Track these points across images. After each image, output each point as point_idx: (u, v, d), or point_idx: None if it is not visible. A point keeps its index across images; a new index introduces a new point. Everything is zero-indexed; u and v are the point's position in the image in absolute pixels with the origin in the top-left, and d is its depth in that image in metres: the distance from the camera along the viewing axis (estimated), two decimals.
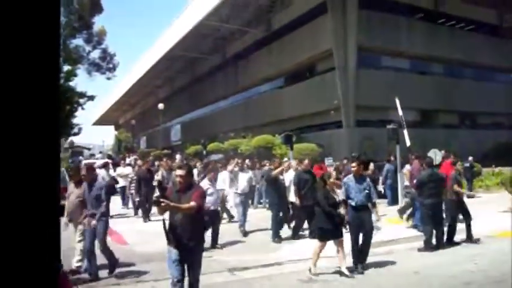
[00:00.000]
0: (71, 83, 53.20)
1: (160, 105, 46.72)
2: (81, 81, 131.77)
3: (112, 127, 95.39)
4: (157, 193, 5.86)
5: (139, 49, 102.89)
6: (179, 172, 6.02)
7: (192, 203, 5.68)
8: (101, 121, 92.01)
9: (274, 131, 31.24)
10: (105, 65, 56.31)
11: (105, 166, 19.04)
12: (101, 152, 62.58)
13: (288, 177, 12.07)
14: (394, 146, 17.64)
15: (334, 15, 29.34)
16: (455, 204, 10.60)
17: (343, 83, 29.17)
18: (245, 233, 12.15)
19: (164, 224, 5.83)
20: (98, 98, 72.08)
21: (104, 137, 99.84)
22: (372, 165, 16.46)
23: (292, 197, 11.62)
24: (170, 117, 55.45)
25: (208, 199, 9.30)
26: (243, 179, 12.87)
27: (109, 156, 44.38)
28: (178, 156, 27.50)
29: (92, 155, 57.85)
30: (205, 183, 10.34)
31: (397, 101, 17.68)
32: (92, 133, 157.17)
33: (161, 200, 5.50)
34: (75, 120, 56.70)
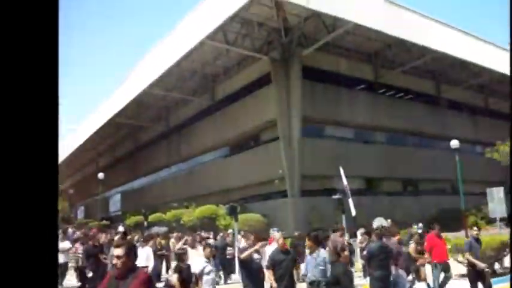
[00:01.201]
0: None
1: (100, 175, 45.22)
2: None
3: None
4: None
5: (82, 115, 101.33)
6: (117, 251, 4.55)
7: None
8: None
9: (219, 201, 30.67)
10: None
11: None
12: None
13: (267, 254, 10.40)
14: (340, 215, 17.41)
15: (277, 86, 29.66)
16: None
17: (287, 153, 29.13)
18: None
19: None
20: None
21: None
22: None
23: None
24: (110, 186, 53.92)
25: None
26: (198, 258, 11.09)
27: None
28: (120, 227, 26.06)
29: None
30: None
31: (341, 170, 17.65)
32: None
33: None
34: None
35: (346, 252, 8.09)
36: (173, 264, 12.54)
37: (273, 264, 8.98)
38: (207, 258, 9.06)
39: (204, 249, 9.35)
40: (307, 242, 8.58)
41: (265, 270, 9.44)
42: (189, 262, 10.08)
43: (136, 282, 4.31)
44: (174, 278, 7.99)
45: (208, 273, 8.69)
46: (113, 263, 5.04)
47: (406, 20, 29.84)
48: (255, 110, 31.64)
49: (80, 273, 15.33)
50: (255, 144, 33.42)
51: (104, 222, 45.33)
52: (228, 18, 25.77)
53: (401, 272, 9.93)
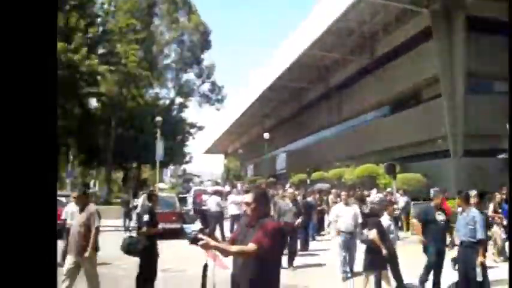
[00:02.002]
0: (183, 115, 56.36)
1: (266, 135, 47.66)
2: (192, 113, 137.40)
3: (221, 156, 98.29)
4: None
5: (246, 80, 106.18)
6: (247, 197, 4.38)
7: (250, 245, 4.07)
8: (211, 150, 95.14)
9: (379, 160, 30.65)
10: (214, 96, 58.93)
11: (217, 193, 19.78)
12: (209, 180, 64.74)
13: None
14: (505, 177, 16.67)
15: (439, 40, 28.41)
16: None
17: (450, 111, 28.02)
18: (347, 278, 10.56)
19: (204, 270, 4.31)
20: (207, 128, 74.67)
21: (214, 166, 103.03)
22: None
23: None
24: (276, 146, 56.21)
25: None
26: (348, 214, 11.08)
27: (217, 183, 45.91)
28: (288, 187, 27.61)
29: (201, 182, 60.11)
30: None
31: (509, 128, 16.78)
32: (202, 161, 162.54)
33: (199, 236, 4.15)
34: (187, 149, 59.73)
35: None
36: (327, 218, 13.39)
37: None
38: (390, 216, 9.61)
39: (387, 208, 9.83)
40: (458, 201, 8.78)
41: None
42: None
43: (261, 231, 4.09)
44: (373, 232, 8.69)
45: (392, 232, 9.25)
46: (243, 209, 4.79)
47: None
48: (415, 67, 30.77)
49: None
50: (416, 102, 32.61)
51: (271, 179, 47.84)
52: None
53: None
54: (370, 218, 9.46)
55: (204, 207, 22.14)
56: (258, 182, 46.29)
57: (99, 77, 39.85)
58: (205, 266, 4.26)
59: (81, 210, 8.35)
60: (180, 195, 29.33)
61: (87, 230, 8.09)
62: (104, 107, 42.18)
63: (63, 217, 13.07)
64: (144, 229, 8.55)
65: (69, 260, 8.12)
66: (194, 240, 4.10)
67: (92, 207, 8.59)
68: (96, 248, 8.32)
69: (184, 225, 5.52)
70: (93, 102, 44.23)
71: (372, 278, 8.76)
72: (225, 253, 4.15)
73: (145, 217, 8.56)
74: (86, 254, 8.00)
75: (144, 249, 8.39)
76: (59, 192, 27.59)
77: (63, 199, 19.16)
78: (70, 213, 12.93)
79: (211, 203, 18.33)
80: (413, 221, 19.05)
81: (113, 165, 48.60)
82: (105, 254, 13.29)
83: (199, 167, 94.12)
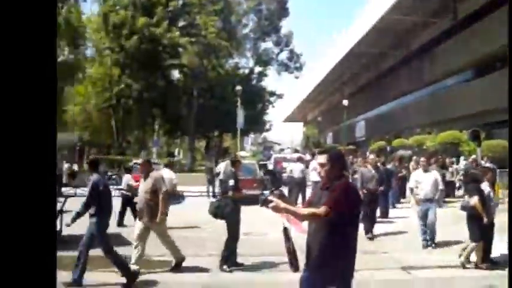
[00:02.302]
0: (262, 83, 57.03)
1: (345, 102, 47.42)
2: (271, 81, 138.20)
3: (300, 124, 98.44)
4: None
5: (324, 48, 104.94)
6: (320, 159, 4.17)
7: (321, 208, 3.89)
8: (290, 118, 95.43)
9: (462, 126, 29.78)
10: (293, 64, 59.08)
11: (299, 160, 20.19)
12: (289, 148, 65.43)
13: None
14: None
15: None
16: None
17: None
18: (427, 246, 10.47)
19: (285, 233, 4.15)
20: (287, 96, 74.89)
21: (293, 133, 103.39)
22: None
23: None
24: (355, 114, 55.66)
25: None
26: (428, 181, 10.79)
27: (296, 151, 46.43)
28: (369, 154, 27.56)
29: (282, 150, 60.86)
30: None
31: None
32: (281, 129, 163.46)
33: (269, 198, 3.98)
34: (266, 118, 60.54)
35: None
36: (408, 184, 13.32)
37: None
38: (490, 182, 9.38)
39: (485, 173, 9.58)
40: None
41: None
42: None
43: (334, 193, 3.93)
44: (474, 199, 8.58)
45: (491, 199, 9.06)
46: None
47: None
48: (502, 28, 29.34)
49: None
50: (502, 65, 31.20)
51: (350, 147, 47.67)
52: None
53: None
54: (471, 184, 9.29)
55: (284, 174, 22.70)
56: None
57: (180, 49, 41.10)
58: (285, 229, 4.10)
59: (146, 177, 8.58)
60: (261, 163, 30.00)
61: (154, 196, 8.34)
62: (185, 78, 43.45)
63: None
64: (230, 193, 8.78)
65: (139, 225, 8.45)
66: (264, 202, 3.97)
67: (156, 173, 8.85)
68: (164, 212, 8.56)
69: (265, 192, 5.57)
70: (176, 74, 45.71)
71: (472, 246, 8.67)
72: (296, 216, 3.96)
73: (231, 182, 8.80)
74: (156, 219, 8.28)
75: (230, 213, 8.69)
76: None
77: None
78: (167, 180, 13.90)
79: (295, 170, 18.75)
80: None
81: (196, 134, 50.22)
82: (191, 218, 14.21)
83: (279, 135, 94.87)
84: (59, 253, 7.47)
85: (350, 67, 54.87)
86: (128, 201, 13.79)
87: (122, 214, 13.78)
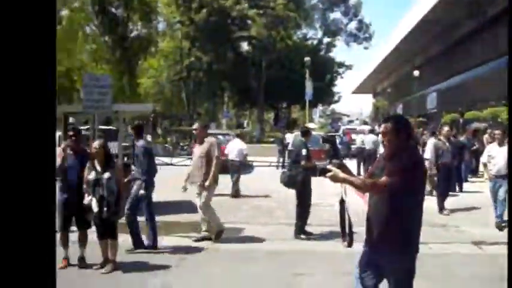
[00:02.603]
0: (331, 54, 56.57)
1: (416, 73, 46.36)
2: (340, 52, 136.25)
3: (369, 95, 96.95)
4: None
5: (394, 17, 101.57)
6: (383, 128, 3.86)
7: (382, 179, 3.65)
8: (359, 89, 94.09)
9: None
10: (362, 35, 58.11)
11: (372, 131, 20.37)
12: (357, 119, 64.87)
13: None
14: None
15: None
16: None
17: None
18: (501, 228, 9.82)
19: (341, 204, 3.99)
20: (356, 67, 74.16)
21: (362, 105, 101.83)
22: None
23: None
24: (426, 85, 54.25)
25: None
26: (502, 156, 10.02)
27: (365, 123, 46.06)
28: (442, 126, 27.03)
29: (351, 122, 60.48)
30: None
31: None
32: (350, 101, 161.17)
33: (328, 167, 3.75)
34: (335, 89, 60.16)
35: None
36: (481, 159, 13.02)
37: None
38: None
39: None
40: None
41: None
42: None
43: (396, 164, 3.67)
44: None
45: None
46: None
47: None
48: None
49: None
50: None
51: (421, 119, 46.72)
52: None
53: None
54: None
55: (353, 146, 22.81)
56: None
57: (249, 21, 41.36)
58: (342, 201, 3.95)
59: (201, 142, 8.66)
60: (329, 134, 30.14)
61: (207, 161, 8.39)
62: (254, 49, 43.75)
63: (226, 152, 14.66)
64: (303, 163, 8.81)
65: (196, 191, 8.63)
66: (322, 172, 3.77)
67: (211, 139, 8.85)
68: (215, 178, 8.53)
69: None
70: (244, 46, 46.11)
71: None
72: (355, 186, 3.72)
73: (303, 151, 8.87)
74: (206, 183, 8.33)
75: (301, 183, 8.83)
76: (217, 131, 30.04)
77: (221, 137, 21.12)
78: (231, 149, 14.61)
79: (367, 141, 18.93)
80: None
81: (265, 106, 50.70)
82: (261, 188, 14.73)
83: (348, 106, 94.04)
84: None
85: (421, 37, 53.32)
86: None
87: None
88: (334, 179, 3.68)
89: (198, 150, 8.65)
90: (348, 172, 3.85)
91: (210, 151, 8.42)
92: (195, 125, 9.25)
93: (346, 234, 3.99)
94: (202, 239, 8.61)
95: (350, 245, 3.95)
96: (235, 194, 14.11)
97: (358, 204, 4.91)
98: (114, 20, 43.02)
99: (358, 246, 4.06)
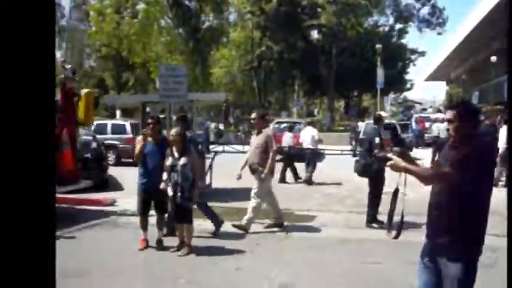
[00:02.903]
0: (403, 41, 55.27)
1: (493, 58, 44.51)
2: (412, 38, 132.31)
3: (443, 82, 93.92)
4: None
5: (469, 1, 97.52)
6: (448, 115, 3.61)
7: (446, 169, 3.42)
8: (432, 77, 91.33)
9: None
10: (435, 20, 56.27)
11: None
12: (431, 107, 63.11)
13: None
14: None
15: None
16: None
17: None
18: None
19: (394, 193, 3.85)
20: (429, 53, 71.93)
21: (435, 93, 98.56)
22: None
23: None
24: (503, 71, 52.00)
25: None
26: None
27: (439, 111, 44.77)
28: None
29: (424, 110, 58.97)
30: None
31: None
32: (423, 88, 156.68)
33: (388, 156, 3.66)
34: (407, 76, 58.75)
35: None
36: None
37: None
38: None
39: None
40: None
41: None
42: None
43: (461, 153, 3.41)
44: None
45: None
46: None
47: None
48: None
49: None
50: None
51: (498, 106, 44.85)
52: None
53: None
54: None
55: (426, 135, 22.34)
56: (483, 109, 43.87)
57: (319, 9, 41.16)
58: (396, 191, 3.81)
59: (259, 132, 8.51)
60: (401, 122, 29.61)
61: (263, 152, 8.25)
62: (324, 38, 43.50)
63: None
64: (376, 151, 8.59)
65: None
66: (382, 160, 3.57)
67: (268, 130, 8.68)
68: (271, 170, 8.40)
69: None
70: (315, 34, 45.93)
71: None
72: (416, 176, 3.48)
73: (377, 140, 8.77)
74: (262, 176, 8.21)
75: (375, 171, 8.71)
76: (287, 120, 30.17)
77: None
78: (304, 138, 14.80)
79: (443, 130, 18.61)
80: None
81: (335, 94, 50.36)
82: (333, 176, 14.79)
83: (421, 94, 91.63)
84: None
85: (499, 20, 51.07)
86: (289, 159, 14.80)
87: (284, 171, 14.65)
88: (395, 168, 3.55)
89: (255, 140, 8.55)
90: (409, 161, 3.65)
91: (266, 143, 8.29)
92: (253, 115, 9.11)
93: (393, 224, 3.90)
94: (274, 225, 8.74)
95: (397, 236, 3.84)
96: (309, 181, 14.20)
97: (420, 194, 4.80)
98: (188, 12, 44.02)
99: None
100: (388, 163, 3.55)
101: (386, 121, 9.66)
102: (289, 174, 14.72)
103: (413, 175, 3.47)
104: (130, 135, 18.60)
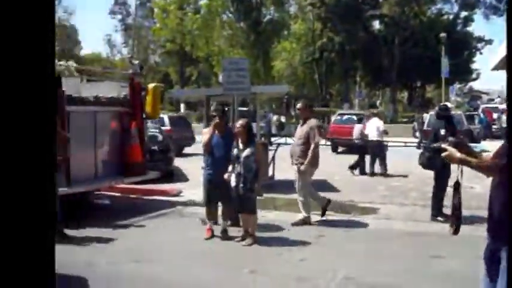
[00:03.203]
0: (469, 29, 53.30)
1: None
2: (479, 26, 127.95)
3: None
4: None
5: None
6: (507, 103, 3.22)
7: (504, 160, 3.11)
8: (500, 66, 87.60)
9: None
10: (503, 6, 53.83)
11: None
12: (498, 97, 60.79)
13: None
14: None
15: None
16: None
17: None
18: None
19: (455, 187, 3.68)
20: (496, 41, 69.67)
21: (503, 82, 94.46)
22: None
23: None
24: None
25: None
26: None
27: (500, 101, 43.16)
28: None
29: (491, 100, 56.91)
30: None
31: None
32: (490, 78, 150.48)
33: (443, 146, 3.52)
34: (473, 66, 56.68)
35: None
36: None
37: None
38: None
39: None
40: None
41: None
42: None
43: None
44: None
45: None
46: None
47: None
48: None
49: None
50: None
51: None
52: None
53: None
54: None
55: (495, 126, 21.62)
56: None
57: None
58: (456, 184, 3.67)
59: (303, 123, 8.36)
60: (468, 113, 28.79)
61: (306, 143, 8.11)
62: (386, 27, 42.73)
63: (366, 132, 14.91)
64: (442, 144, 8.37)
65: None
66: (437, 152, 3.36)
67: (313, 121, 8.42)
68: (314, 163, 8.22)
69: (471, 144, 4.83)
70: (376, 25, 45.19)
71: None
72: (473, 168, 3.35)
73: (441, 132, 8.60)
74: (302, 168, 8.09)
75: (442, 164, 8.23)
76: (350, 111, 29.87)
77: (354, 117, 21.18)
78: (370, 129, 14.70)
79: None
80: None
81: (398, 85, 49.34)
82: (397, 168, 14.61)
83: (488, 83, 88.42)
84: (273, 195, 8.54)
85: None
86: (362, 149, 14.86)
87: (358, 162, 14.75)
88: (450, 159, 3.41)
89: (299, 131, 8.43)
90: (467, 152, 3.45)
91: (309, 134, 8.09)
92: (298, 105, 8.89)
93: (453, 220, 3.78)
94: (324, 210, 8.69)
95: (456, 232, 3.73)
96: (384, 172, 14.17)
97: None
98: (249, 5, 44.32)
99: None
100: (443, 154, 3.43)
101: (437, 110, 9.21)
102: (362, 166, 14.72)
103: (470, 167, 3.35)
104: (169, 127, 19.43)
